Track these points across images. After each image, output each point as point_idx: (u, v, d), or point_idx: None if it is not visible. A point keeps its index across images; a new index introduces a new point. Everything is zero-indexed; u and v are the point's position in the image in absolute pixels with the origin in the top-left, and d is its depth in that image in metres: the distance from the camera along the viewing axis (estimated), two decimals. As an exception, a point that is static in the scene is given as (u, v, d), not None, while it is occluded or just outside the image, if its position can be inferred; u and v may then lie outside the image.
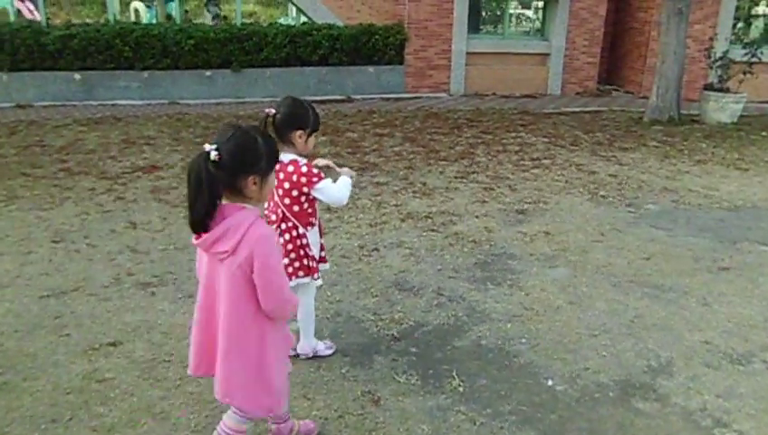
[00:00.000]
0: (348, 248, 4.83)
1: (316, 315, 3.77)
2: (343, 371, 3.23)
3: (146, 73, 11.71)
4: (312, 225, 3.09)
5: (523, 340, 3.50)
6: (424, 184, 6.55)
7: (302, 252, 3.06)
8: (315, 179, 2.88)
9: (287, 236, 3.01)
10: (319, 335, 3.56)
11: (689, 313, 3.84)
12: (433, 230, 5.21)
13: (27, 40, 11.12)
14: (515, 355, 3.35)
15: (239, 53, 12.02)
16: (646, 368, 3.25)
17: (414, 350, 3.43)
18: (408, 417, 2.86)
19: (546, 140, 8.67)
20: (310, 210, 3.03)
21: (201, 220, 2.01)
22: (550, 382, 3.10)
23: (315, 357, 3.34)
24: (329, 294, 4.09)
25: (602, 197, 6.18)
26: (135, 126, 9.40)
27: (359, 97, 12.76)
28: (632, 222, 5.48)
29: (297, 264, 3.06)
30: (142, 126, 9.44)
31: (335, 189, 2.94)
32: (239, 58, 12.07)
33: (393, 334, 3.57)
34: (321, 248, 3.26)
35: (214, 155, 1.95)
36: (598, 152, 8.05)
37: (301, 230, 3.02)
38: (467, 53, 12.83)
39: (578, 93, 13.66)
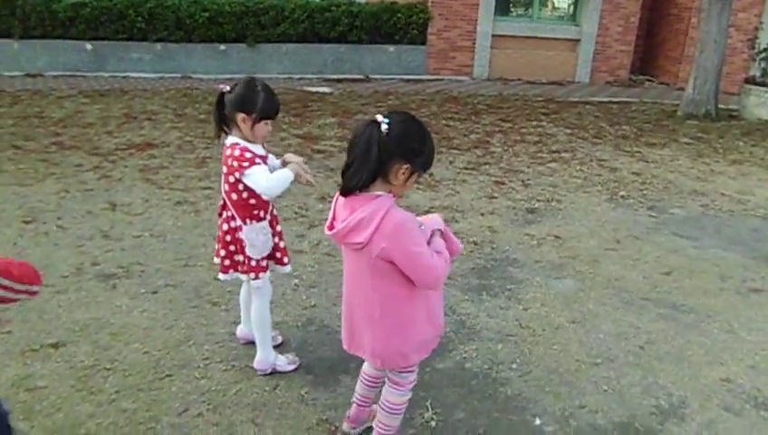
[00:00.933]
0: (333, 245, 4.40)
1: (286, 323, 3.41)
2: (303, 392, 2.84)
3: (159, 46, 11.37)
4: (256, 218, 2.72)
5: (514, 365, 3.06)
6: (430, 175, 6.08)
7: (234, 247, 2.78)
8: (246, 164, 2.55)
9: (225, 227, 2.77)
10: (285, 347, 3.18)
11: (710, 341, 3.35)
12: (432, 227, 4.75)
13: (38, 7, 10.83)
14: (502, 384, 2.91)
15: (255, 28, 11.59)
16: (653, 408, 2.78)
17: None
18: (365, 456, 2.45)
19: (568, 131, 8.10)
20: (252, 201, 2.67)
21: (357, 187, 1.97)
22: (537, 421, 2.66)
23: (274, 373, 2.95)
24: (304, 297, 3.70)
25: (622, 197, 5.64)
26: (140, 100, 9.07)
27: (377, 77, 12.27)
28: (653, 228, 4.96)
29: (228, 261, 2.82)
30: (147, 100, 9.10)
31: (263, 179, 2.56)
32: (254, 32, 11.65)
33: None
34: (276, 248, 2.87)
35: (384, 127, 1.91)
36: (622, 147, 7.47)
37: (237, 222, 2.72)
38: (493, 36, 12.22)
39: (608, 83, 12.97)
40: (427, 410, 2.70)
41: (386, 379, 2.36)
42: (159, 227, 4.61)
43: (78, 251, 4.16)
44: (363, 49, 12.30)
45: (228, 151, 2.62)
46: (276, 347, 3.12)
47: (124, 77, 11.05)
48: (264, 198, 2.64)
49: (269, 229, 2.80)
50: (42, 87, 9.96)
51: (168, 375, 2.90)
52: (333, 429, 2.59)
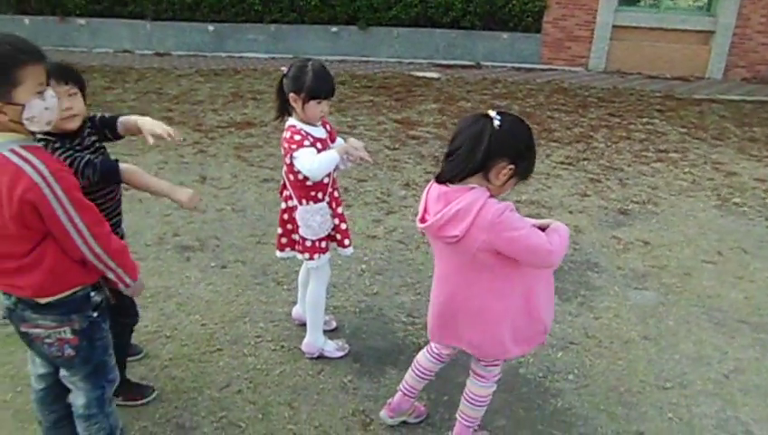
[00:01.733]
0: (409, 233, 4.33)
1: (344, 308, 3.39)
2: (346, 379, 2.80)
3: (273, 27, 11.74)
4: (314, 199, 2.70)
5: (570, 377, 2.84)
6: (523, 168, 5.82)
7: (291, 226, 2.80)
8: (294, 146, 2.54)
9: (283, 205, 2.80)
10: (338, 332, 3.15)
11: (811, 376, 2.93)
12: (513, 223, 4.54)
13: (169, -10, 11.56)
14: (554, 395, 2.71)
15: (367, 10, 11.66)
16: (725, 445, 2.48)
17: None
18: (394, 453, 2.37)
19: (683, 130, 7.45)
20: (309, 182, 2.65)
21: (457, 178, 1.93)
22: (584, 442, 2.45)
23: (321, 358, 2.93)
24: (367, 283, 3.65)
25: (735, 204, 5.09)
26: (249, 80, 9.42)
27: (488, 64, 11.96)
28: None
29: (285, 239, 2.86)
30: (256, 80, 9.43)
31: (307, 160, 2.51)
32: (366, 15, 11.72)
33: (420, 344, 3.06)
34: (336, 230, 2.84)
35: (497, 123, 1.87)
36: (747, 150, 6.75)
37: (294, 202, 2.72)
38: (614, 26, 11.48)
39: (745, 79, 11.79)
40: (468, 414, 2.56)
41: (470, 371, 2.31)
42: (242, 203, 4.75)
43: (163, 221, 4.37)
44: (475, 35, 12.01)
45: (284, 133, 2.62)
46: (328, 332, 3.11)
47: (239, 57, 11.54)
48: (311, 180, 2.61)
49: (327, 210, 2.77)
50: (166, 66, 10.62)
51: (218, 349, 2.96)
52: (368, 421, 2.54)
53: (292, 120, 2.64)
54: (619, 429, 2.52)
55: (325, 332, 3.04)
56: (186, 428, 2.46)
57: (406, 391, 2.48)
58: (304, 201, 2.70)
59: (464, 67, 11.66)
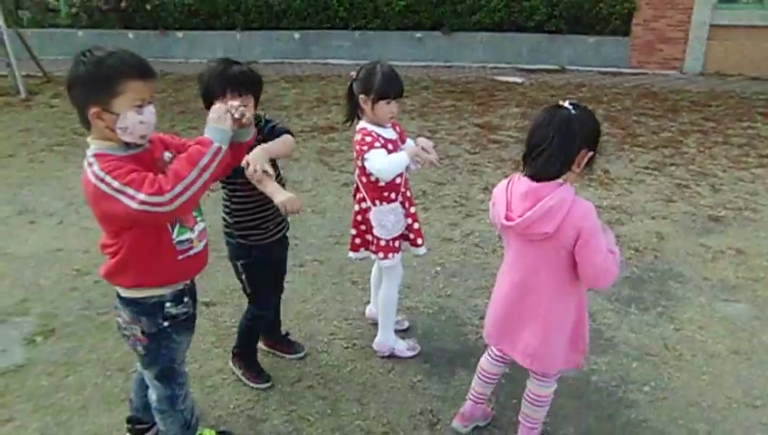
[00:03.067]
0: (485, 237, 4.29)
1: (417, 308, 3.41)
2: (416, 379, 2.82)
3: (357, 33, 11.96)
4: (387, 200, 2.75)
5: (646, 388, 2.72)
6: (605, 172, 5.63)
7: (365, 227, 2.85)
8: (365, 148, 2.60)
9: (356, 208, 2.88)
10: (410, 333, 3.18)
11: None
12: (593, 229, 4.40)
13: (258, 1, 12.01)
14: (627, 406, 2.61)
15: (450, 16, 11.65)
16: (818, 469, 2.30)
17: (507, 371, 2.85)
18: (459, 455, 2.36)
19: (789, 134, 6.95)
20: (382, 183, 2.70)
21: (554, 175, 1.93)
22: (659, 457, 2.35)
23: (392, 357, 2.96)
24: (441, 286, 3.65)
25: None
26: (333, 85, 9.64)
27: (573, 69, 11.64)
28: None
29: (359, 240, 2.92)
30: (340, 86, 9.61)
31: (378, 162, 2.58)
32: (450, 20, 11.72)
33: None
34: (409, 229, 2.89)
35: (574, 112, 1.92)
36: None
37: (368, 204, 2.78)
38: (711, 26, 10.87)
39: None
40: (536, 420, 2.52)
41: (530, 371, 2.29)
42: (322, 205, 4.88)
43: (246, 221, 4.55)
44: (561, 39, 11.74)
45: (356, 136, 2.69)
46: (400, 332, 3.14)
47: (324, 64, 11.82)
48: (382, 181, 2.65)
49: (401, 210, 2.81)
50: (254, 73, 11.05)
51: (292, 345, 3.06)
52: (435, 420, 2.54)
53: (362, 123, 2.70)
54: (699, 445, 2.40)
55: (397, 332, 3.07)
56: (256, 419, 2.56)
57: (475, 399, 2.47)
58: (378, 202, 2.75)
59: (548, 72, 11.41)
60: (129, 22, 12.88)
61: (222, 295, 3.53)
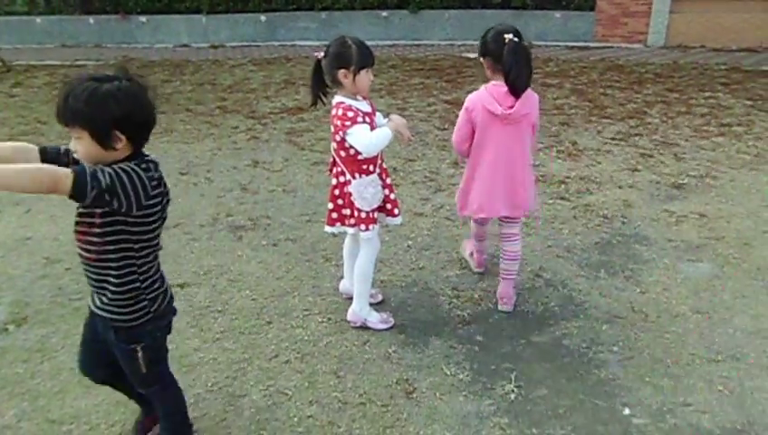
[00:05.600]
0: (455, 210, 4.32)
1: (390, 282, 3.45)
2: (391, 350, 2.86)
3: (323, 14, 11.87)
4: (365, 172, 2.79)
5: (615, 348, 2.80)
6: (574, 143, 5.72)
7: (342, 201, 2.86)
8: (348, 123, 2.62)
9: (334, 181, 2.87)
10: (384, 306, 3.21)
11: None
12: (562, 198, 4.49)
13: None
14: (597, 366, 2.69)
15: (417, -7, 11.65)
16: (778, 417, 2.40)
17: (480, 338, 2.92)
18: (435, 419, 2.42)
19: (749, 102, 7.12)
20: (360, 157, 2.73)
21: (528, 84, 2.81)
22: (627, 411, 2.42)
23: (365, 328, 3.00)
24: (414, 259, 3.70)
25: (802, 177, 4.86)
26: (301, 66, 9.58)
27: (541, 44, 11.75)
28: (835, 214, 4.22)
29: (335, 214, 2.91)
30: (308, 67, 9.40)
31: (363, 137, 2.62)
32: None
33: (464, 316, 3.09)
34: (386, 200, 2.94)
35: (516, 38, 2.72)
36: (818, 121, 6.41)
37: (347, 177, 2.79)
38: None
39: (818, 47, 11.14)
40: (510, 383, 2.58)
41: (504, 236, 3.15)
42: (293, 184, 4.87)
43: (217, 202, 4.54)
44: (527, 15, 11.83)
45: (333, 111, 2.70)
46: (375, 305, 3.17)
47: (291, 45, 11.73)
48: (361, 156, 2.68)
49: (378, 181, 2.85)
50: (220, 57, 10.91)
51: (268, 322, 3.07)
52: (411, 389, 2.59)
53: (339, 97, 2.71)
54: (664, 400, 2.48)
55: (372, 304, 3.11)
56: (235, 395, 2.57)
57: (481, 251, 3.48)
58: (357, 175, 2.78)
59: (516, 47, 11.48)
60: (88, 6, 12.58)
61: (195, 276, 3.52)
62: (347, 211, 2.88)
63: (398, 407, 2.49)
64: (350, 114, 2.63)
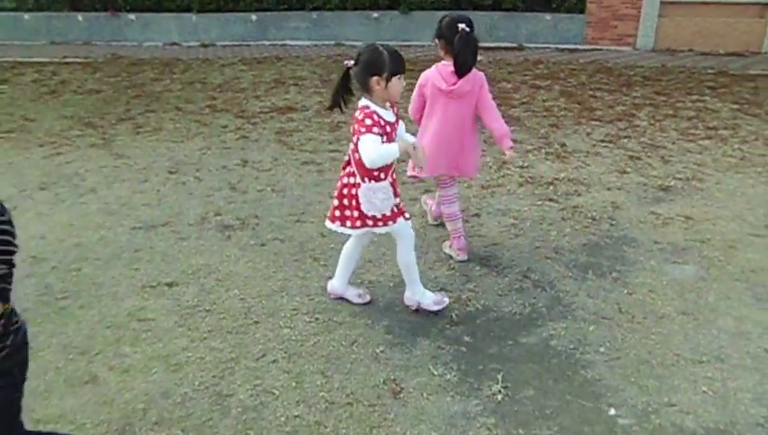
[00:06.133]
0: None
1: (379, 282, 3.45)
2: (378, 350, 2.86)
3: (314, 14, 11.86)
4: (375, 178, 2.83)
5: (602, 349, 2.82)
6: (563, 145, 5.75)
7: (347, 202, 2.91)
8: (363, 130, 2.68)
9: (344, 180, 2.91)
10: (372, 306, 3.22)
11: None
12: (550, 200, 4.51)
13: (211, -20, 11.79)
14: (584, 366, 2.71)
15: (408, -6, 11.66)
16: (762, 420, 2.41)
17: (467, 339, 2.93)
18: (422, 419, 2.42)
19: (735, 106, 7.19)
20: None
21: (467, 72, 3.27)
22: (612, 411, 2.44)
23: (352, 331, 3.00)
24: (402, 259, 3.69)
25: (787, 181, 4.91)
26: (291, 66, 9.56)
27: (531, 46, 11.81)
28: (818, 217, 4.27)
29: (338, 212, 2.97)
30: (298, 66, 9.57)
31: (371, 149, 2.67)
32: None
33: (452, 317, 3.10)
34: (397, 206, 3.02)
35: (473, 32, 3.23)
36: (803, 125, 6.48)
37: (356, 180, 2.85)
38: (662, 3, 11.13)
39: (804, 52, 11.27)
40: (496, 383, 2.60)
41: (441, 199, 3.72)
42: (282, 184, 4.87)
43: (206, 201, 4.53)
44: (518, 17, 11.87)
45: (357, 113, 2.75)
46: (362, 305, 3.19)
47: (282, 45, 11.71)
48: (367, 165, 2.70)
49: (390, 190, 2.88)
50: (211, 56, 10.87)
51: (255, 322, 3.07)
52: (399, 389, 2.59)
53: (365, 101, 2.75)
54: (649, 400, 2.50)
55: (361, 304, 3.14)
56: (222, 395, 2.57)
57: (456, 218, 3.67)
58: (366, 179, 2.81)
59: (506, 49, 11.54)
60: (77, 3, 12.50)
61: (184, 276, 3.51)
62: (349, 212, 2.91)
63: (385, 407, 2.49)
64: (369, 122, 2.68)
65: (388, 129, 2.76)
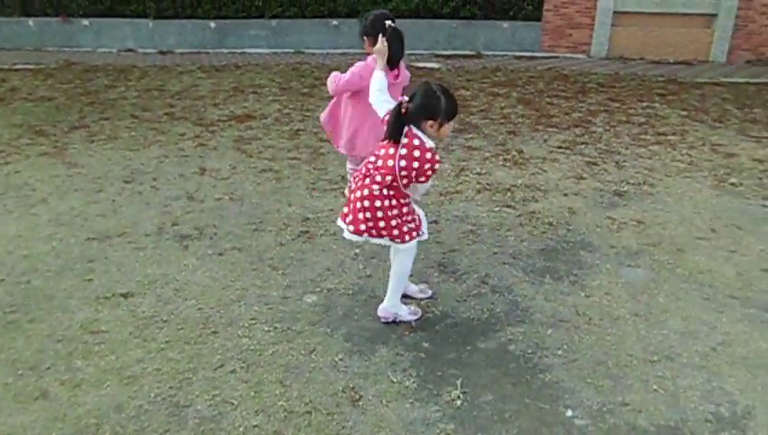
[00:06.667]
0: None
1: (338, 290, 3.44)
2: (337, 358, 2.85)
3: (274, 22, 11.81)
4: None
5: (559, 352, 2.87)
6: (520, 152, 5.85)
7: (369, 214, 2.94)
8: (429, 173, 2.77)
9: (367, 192, 2.89)
10: (331, 313, 3.21)
11: (799, 348, 2.95)
12: (508, 206, 4.58)
13: (170, -13, 11.63)
14: (542, 370, 2.75)
15: (367, 2, 11.71)
16: (710, 416, 2.50)
17: (426, 345, 2.95)
18: (382, 426, 2.42)
19: (684, 113, 7.44)
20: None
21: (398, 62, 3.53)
22: (569, 413, 2.48)
23: (311, 339, 2.98)
24: (361, 267, 3.70)
25: (732, 185, 5.09)
26: (250, 74, 9.49)
27: (489, 54, 11.98)
28: (764, 218, 4.44)
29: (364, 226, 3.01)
30: (257, 75, 9.50)
31: (428, 185, 2.99)
32: (367, 7, 11.73)
33: (411, 323, 3.11)
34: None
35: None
36: (747, 132, 6.74)
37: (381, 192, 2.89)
38: (615, 12, 11.46)
39: (749, 62, 11.75)
40: (456, 389, 2.61)
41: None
42: (240, 192, 4.82)
43: (163, 211, 4.45)
44: (476, 25, 12.04)
45: (417, 153, 2.70)
46: (324, 314, 3.18)
47: (241, 53, 11.61)
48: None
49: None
50: (168, 63, 10.71)
51: (213, 332, 3.02)
52: (357, 397, 2.59)
53: (426, 139, 2.75)
54: (604, 400, 2.56)
55: (321, 314, 3.12)
56: (180, 405, 2.52)
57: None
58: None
59: (465, 57, 11.68)
60: (28, 8, 12.16)
61: (140, 286, 3.44)
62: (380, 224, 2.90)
63: (343, 415, 2.48)
64: (438, 167, 2.78)
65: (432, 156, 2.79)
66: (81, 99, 7.94)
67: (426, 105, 2.69)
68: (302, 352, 2.89)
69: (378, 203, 2.85)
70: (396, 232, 2.92)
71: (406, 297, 3.28)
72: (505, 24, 11.96)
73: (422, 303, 3.30)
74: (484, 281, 3.53)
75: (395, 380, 2.69)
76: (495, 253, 3.87)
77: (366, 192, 2.86)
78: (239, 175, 5.19)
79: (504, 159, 5.65)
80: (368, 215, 2.87)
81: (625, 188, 4.93)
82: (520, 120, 7.06)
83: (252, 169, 5.33)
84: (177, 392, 2.61)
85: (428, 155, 2.72)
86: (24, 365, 2.79)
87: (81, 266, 3.67)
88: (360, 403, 2.55)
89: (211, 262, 3.73)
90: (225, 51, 11.80)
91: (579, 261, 3.76)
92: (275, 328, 3.07)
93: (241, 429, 2.40)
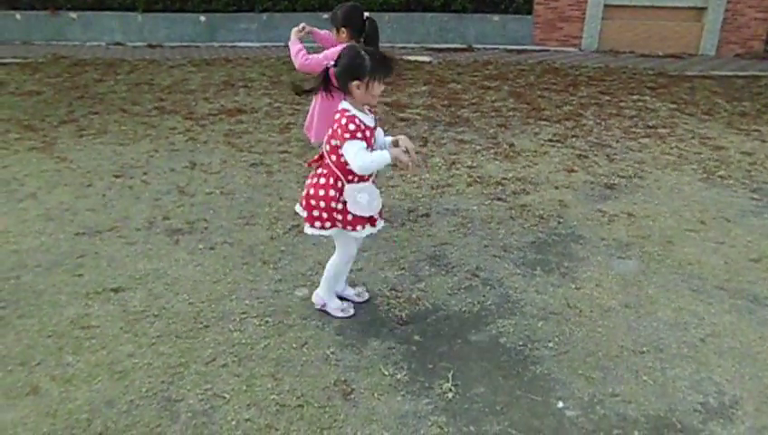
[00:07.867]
0: (396, 211, 4.37)
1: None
2: (329, 351, 2.85)
3: (264, 16, 11.74)
4: (361, 180, 2.80)
5: (550, 344, 2.89)
6: (511, 145, 5.86)
7: (313, 202, 2.86)
8: (347, 136, 2.65)
9: (315, 180, 2.86)
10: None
11: (786, 338, 2.98)
12: (499, 199, 4.59)
13: (159, -20, 11.53)
14: (533, 362, 2.77)
15: (357, -3, 11.64)
16: (698, 406, 2.52)
17: (417, 338, 2.95)
18: (373, 419, 2.43)
19: (673, 106, 7.47)
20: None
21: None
22: (560, 404, 2.50)
23: (303, 333, 2.99)
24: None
25: (720, 177, 5.13)
26: (241, 68, 9.44)
27: (480, 47, 11.97)
28: (752, 211, 4.48)
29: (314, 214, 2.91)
30: (248, 68, 9.45)
31: (359, 157, 2.64)
32: (358, 0, 11.71)
33: (402, 317, 3.12)
34: None
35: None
36: (736, 125, 6.78)
37: (329, 181, 2.81)
38: (605, 5, 11.48)
39: (738, 55, 11.80)
40: (447, 381, 2.62)
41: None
42: (231, 186, 4.80)
43: (154, 205, 4.42)
44: (467, 18, 12.02)
45: (337, 116, 2.71)
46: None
47: (231, 47, 11.54)
48: (357, 172, 2.70)
49: (375, 190, 2.84)
50: (158, 57, 10.63)
51: (205, 326, 3.02)
52: (349, 390, 2.59)
53: (346, 104, 2.72)
54: (594, 392, 2.58)
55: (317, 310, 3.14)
56: (171, 400, 2.52)
57: None
58: (350, 179, 2.78)
59: (456, 50, 11.67)
60: (15, 1, 12.02)
61: (130, 281, 3.42)
62: (321, 214, 2.86)
63: (335, 408, 2.49)
64: (352, 127, 2.65)
65: (368, 134, 2.72)
66: (69, 93, 7.87)
67: (350, 65, 2.67)
68: (294, 345, 2.89)
69: (322, 192, 2.84)
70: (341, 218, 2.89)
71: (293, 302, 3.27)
72: (496, 18, 11.96)
73: (413, 296, 3.31)
74: (476, 274, 3.54)
75: (386, 373, 2.70)
76: (486, 246, 3.88)
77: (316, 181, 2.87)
78: (230, 169, 5.18)
79: (495, 153, 5.65)
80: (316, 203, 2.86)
81: (615, 181, 4.95)
82: (511, 113, 7.07)
83: (242, 163, 5.31)
84: (168, 387, 2.60)
85: (342, 119, 2.67)
86: (14, 361, 2.77)
87: (70, 261, 3.64)
88: (352, 396, 2.56)
89: (202, 256, 3.72)
90: (215, 44, 11.73)
91: (569, 253, 3.77)
92: (267, 322, 3.06)
93: (233, 423, 2.40)
